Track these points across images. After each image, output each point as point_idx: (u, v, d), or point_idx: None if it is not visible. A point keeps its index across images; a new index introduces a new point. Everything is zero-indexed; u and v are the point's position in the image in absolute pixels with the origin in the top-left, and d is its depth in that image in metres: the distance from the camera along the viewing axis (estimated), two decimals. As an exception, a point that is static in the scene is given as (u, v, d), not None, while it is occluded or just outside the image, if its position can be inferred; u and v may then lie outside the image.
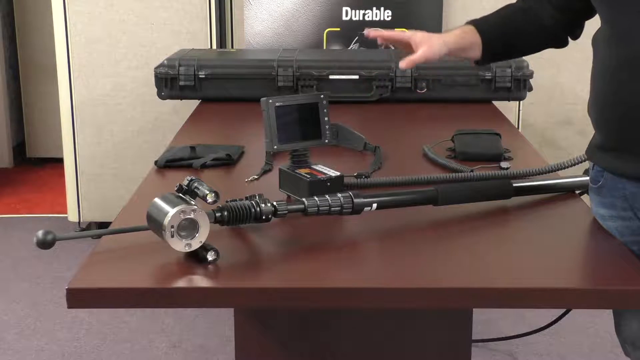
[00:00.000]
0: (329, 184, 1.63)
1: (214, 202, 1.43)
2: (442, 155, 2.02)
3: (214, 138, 2.25)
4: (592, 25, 1.61)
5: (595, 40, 1.57)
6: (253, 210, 1.44)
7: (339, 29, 3.47)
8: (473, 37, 1.74)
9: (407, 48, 1.72)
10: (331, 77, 2.77)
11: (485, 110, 2.69)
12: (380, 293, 1.33)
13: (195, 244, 1.36)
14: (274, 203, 1.46)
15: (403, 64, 1.68)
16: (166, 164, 1.95)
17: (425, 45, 1.68)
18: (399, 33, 1.74)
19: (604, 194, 1.57)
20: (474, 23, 1.76)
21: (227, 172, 1.94)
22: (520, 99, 2.86)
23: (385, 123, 2.56)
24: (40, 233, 1.36)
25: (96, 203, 3.80)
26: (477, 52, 1.75)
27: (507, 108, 3.16)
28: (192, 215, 1.36)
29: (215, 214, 1.41)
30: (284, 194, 1.70)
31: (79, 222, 3.84)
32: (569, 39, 1.75)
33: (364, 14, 3.47)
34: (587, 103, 1.60)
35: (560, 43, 1.75)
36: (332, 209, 1.49)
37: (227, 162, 1.98)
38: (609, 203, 1.56)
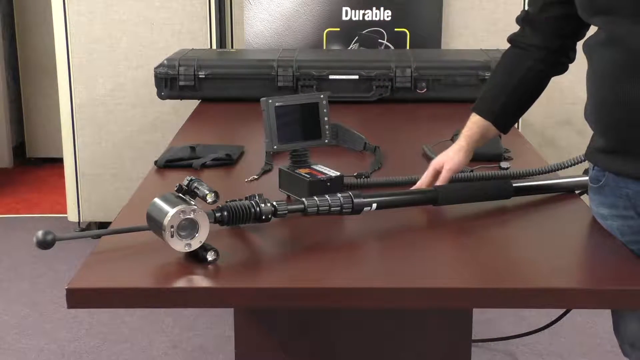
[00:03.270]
0: (329, 184, 1.63)
1: (214, 202, 1.43)
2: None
3: (214, 138, 2.25)
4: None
5: (589, 47, 1.56)
6: (253, 210, 1.44)
7: (339, 29, 3.47)
8: (481, 126, 1.77)
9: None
10: (331, 77, 2.77)
11: (485, 110, 2.68)
12: (380, 293, 1.33)
13: (195, 244, 1.36)
14: (274, 203, 1.46)
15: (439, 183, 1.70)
16: (166, 164, 1.95)
17: (448, 161, 1.72)
18: (425, 180, 1.73)
19: (606, 194, 1.57)
20: (476, 110, 1.78)
21: (227, 172, 1.94)
22: (520, 99, 2.85)
23: (385, 123, 2.56)
24: (40, 233, 1.36)
25: (96, 203, 3.80)
26: (494, 131, 1.78)
27: (507, 108, 3.15)
28: (192, 215, 1.36)
29: (215, 214, 1.41)
30: (284, 194, 1.70)
31: (79, 222, 3.84)
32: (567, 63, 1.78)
33: (364, 14, 3.47)
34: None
35: (562, 69, 1.79)
36: (332, 209, 1.49)
37: (227, 162, 1.98)
38: (611, 202, 1.56)
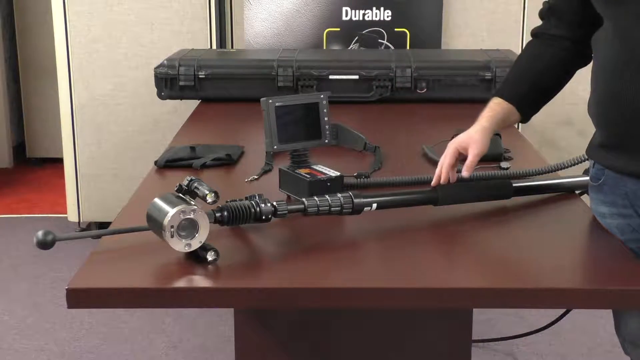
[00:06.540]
0: (329, 184, 1.63)
1: (214, 202, 1.43)
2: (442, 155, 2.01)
3: (214, 138, 2.25)
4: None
5: (596, 40, 1.57)
6: (253, 210, 1.44)
7: (339, 29, 3.47)
8: (504, 108, 1.68)
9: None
10: (331, 77, 2.77)
11: (485, 110, 2.69)
12: (380, 293, 1.33)
13: (195, 244, 1.36)
14: (274, 203, 1.46)
15: (465, 172, 1.59)
16: (166, 164, 1.95)
17: (472, 144, 1.61)
18: (447, 160, 1.63)
19: (605, 192, 1.57)
20: (499, 93, 1.71)
21: (227, 172, 1.94)
22: (520, 99, 2.85)
23: (385, 123, 2.56)
24: (40, 233, 1.36)
25: (96, 203, 3.80)
26: (516, 116, 1.70)
27: (507, 108, 3.15)
28: (192, 215, 1.36)
29: (215, 214, 1.41)
30: (284, 194, 1.70)
31: (79, 222, 3.84)
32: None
33: (364, 14, 3.47)
34: (587, 103, 1.60)
35: (586, 61, 1.71)
36: (332, 209, 1.49)
37: (227, 162, 1.98)
38: (610, 201, 1.56)
